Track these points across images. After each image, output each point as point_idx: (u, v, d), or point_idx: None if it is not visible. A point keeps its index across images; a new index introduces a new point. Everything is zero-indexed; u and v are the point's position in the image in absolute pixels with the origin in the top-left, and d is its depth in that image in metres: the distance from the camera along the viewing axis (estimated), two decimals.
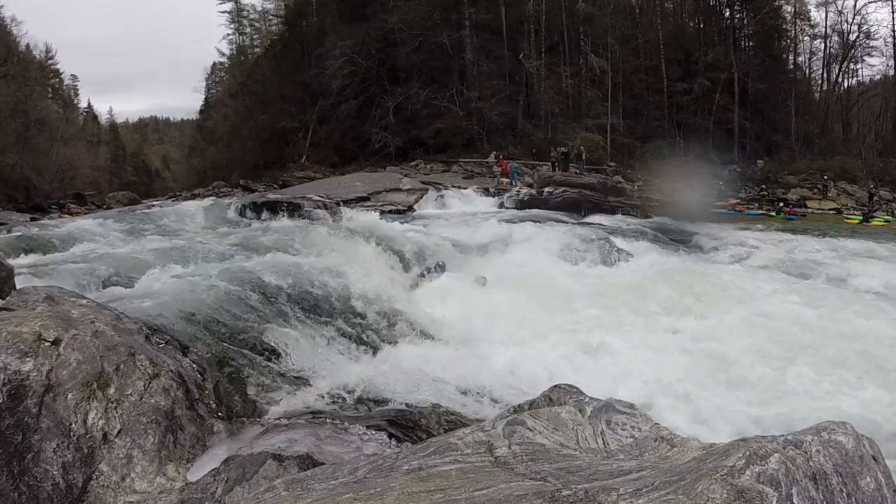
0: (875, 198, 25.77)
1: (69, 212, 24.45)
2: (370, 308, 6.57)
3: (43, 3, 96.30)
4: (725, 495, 1.44)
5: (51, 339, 3.32)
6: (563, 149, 24.84)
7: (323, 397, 4.37)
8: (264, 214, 14.79)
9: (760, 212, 23.21)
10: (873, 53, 37.06)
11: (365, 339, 5.89)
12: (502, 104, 31.98)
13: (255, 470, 3.00)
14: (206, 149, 46.57)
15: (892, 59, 35.31)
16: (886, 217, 22.36)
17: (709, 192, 23.52)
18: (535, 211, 17.40)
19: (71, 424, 3.11)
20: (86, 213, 21.89)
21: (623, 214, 17.82)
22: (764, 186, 27.72)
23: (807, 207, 24.66)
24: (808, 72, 40.05)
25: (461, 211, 17.59)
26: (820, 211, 23.92)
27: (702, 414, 4.77)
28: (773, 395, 5.17)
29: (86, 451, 3.08)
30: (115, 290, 5.73)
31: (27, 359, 3.15)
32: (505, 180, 23.06)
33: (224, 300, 5.40)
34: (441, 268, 8.96)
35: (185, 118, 71.94)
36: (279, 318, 5.47)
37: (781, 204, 24.14)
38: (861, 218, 20.87)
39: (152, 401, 3.49)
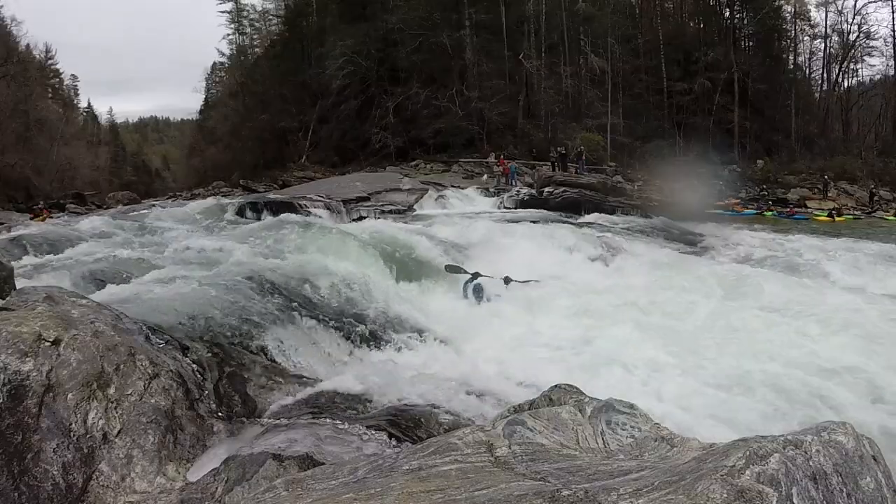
0: (875, 197, 25.83)
1: (40, 214, 20.25)
2: (370, 309, 6.57)
3: (43, 3, 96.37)
4: (725, 495, 1.44)
5: (51, 339, 3.32)
6: (561, 149, 24.85)
7: (323, 397, 4.37)
8: (264, 214, 14.80)
9: (755, 211, 23.77)
10: (873, 53, 37.11)
11: (365, 339, 5.89)
12: (502, 104, 31.98)
13: (255, 470, 3.00)
14: (206, 149, 46.57)
15: (892, 59, 35.35)
16: (887, 215, 23.10)
17: (709, 192, 23.63)
18: (534, 211, 17.40)
19: (71, 424, 3.11)
20: (63, 215, 19.62)
21: (623, 214, 17.83)
22: (764, 186, 27.86)
23: (807, 207, 24.72)
24: (808, 72, 40.09)
25: (461, 211, 17.58)
26: (820, 210, 23.97)
27: None
28: None
29: (86, 451, 3.08)
30: (115, 290, 5.73)
31: (27, 359, 3.15)
32: (503, 179, 23.19)
33: (224, 300, 5.39)
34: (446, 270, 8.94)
35: (185, 118, 72.00)
36: (279, 318, 5.47)
37: (772, 203, 25.01)
38: (828, 216, 22.17)
39: (152, 401, 3.49)
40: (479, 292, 8.04)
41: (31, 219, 18.82)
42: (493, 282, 8.26)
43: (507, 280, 8.32)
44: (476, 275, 8.34)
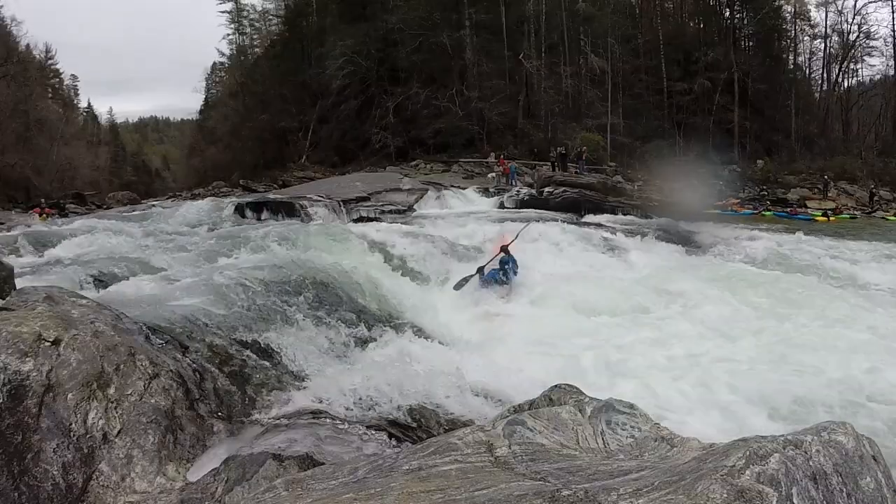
0: (875, 198, 25.84)
1: (43, 213, 18.78)
2: (370, 308, 6.57)
3: (43, 3, 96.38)
4: (725, 495, 1.44)
5: (51, 339, 3.32)
6: (560, 149, 24.84)
7: (323, 397, 4.37)
8: (264, 214, 14.80)
9: (752, 211, 23.93)
10: (873, 53, 37.15)
11: (365, 339, 5.89)
12: (502, 104, 31.99)
13: (255, 470, 3.00)
14: (206, 149, 46.59)
15: (892, 59, 35.39)
16: (887, 215, 23.27)
17: (709, 192, 23.70)
18: (534, 211, 17.40)
19: (71, 424, 3.10)
20: (59, 215, 18.95)
21: (623, 214, 17.84)
22: (764, 186, 27.94)
23: (806, 207, 24.76)
24: (808, 72, 40.12)
25: (461, 211, 17.59)
26: (823, 210, 24.02)
27: None
28: None
29: (86, 451, 3.08)
30: (115, 290, 5.73)
31: (27, 359, 3.15)
32: (503, 179, 23.23)
33: (224, 300, 5.39)
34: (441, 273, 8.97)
35: (185, 118, 72.01)
36: (279, 318, 5.47)
37: (769, 203, 25.52)
38: (823, 215, 22.33)
39: (152, 401, 3.48)
40: (495, 276, 8.10)
41: (38, 215, 18.06)
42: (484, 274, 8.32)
43: (480, 270, 8.40)
44: (470, 276, 8.36)
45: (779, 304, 7.88)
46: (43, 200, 23.97)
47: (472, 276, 8.40)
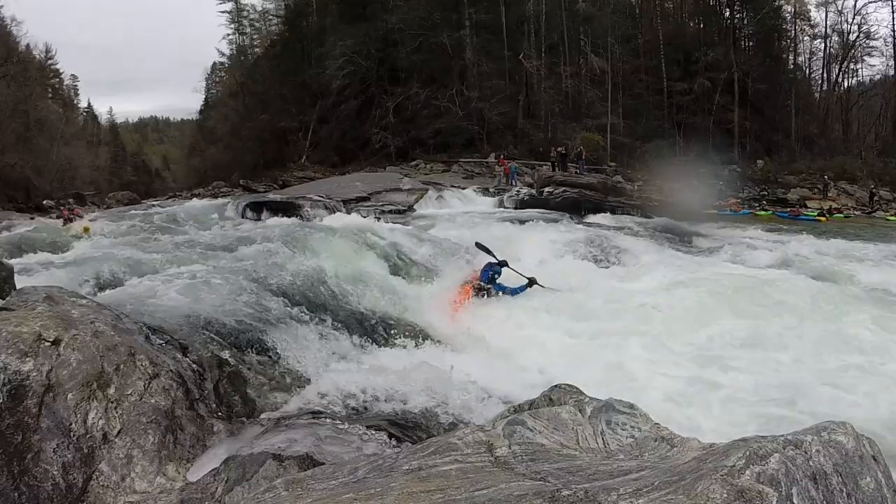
0: (875, 198, 25.84)
1: (69, 212, 16.78)
2: (370, 308, 6.58)
3: (43, 3, 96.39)
4: (725, 495, 1.44)
5: (51, 339, 3.32)
6: (560, 149, 24.86)
7: (323, 397, 4.37)
8: (264, 214, 14.83)
9: (748, 211, 24.06)
10: (873, 53, 37.17)
11: (364, 339, 5.89)
12: (502, 104, 32.00)
13: (255, 470, 2.99)
14: (206, 149, 46.61)
15: (892, 59, 35.40)
16: (887, 215, 23.35)
17: (709, 192, 23.73)
18: (534, 211, 17.40)
19: (71, 424, 3.11)
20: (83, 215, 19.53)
21: (623, 214, 17.84)
22: (764, 186, 27.97)
23: (806, 207, 24.78)
24: (808, 72, 40.13)
25: (461, 211, 17.59)
26: (819, 209, 24.04)
27: None
28: None
29: (86, 451, 3.08)
30: (115, 290, 5.73)
31: (27, 359, 3.15)
32: (503, 179, 23.28)
33: (224, 300, 5.39)
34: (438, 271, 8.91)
35: (185, 118, 72.00)
36: (279, 318, 5.47)
37: (766, 203, 25.79)
38: (819, 215, 22.29)
39: (152, 401, 3.49)
40: (493, 280, 7.94)
41: (63, 223, 14.10)
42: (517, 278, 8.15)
43: (503, 263, 8.18)
44: (503, 262, 8.20)
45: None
46: (71, 201, 21.94)
47: (496, 260, 8.22)
